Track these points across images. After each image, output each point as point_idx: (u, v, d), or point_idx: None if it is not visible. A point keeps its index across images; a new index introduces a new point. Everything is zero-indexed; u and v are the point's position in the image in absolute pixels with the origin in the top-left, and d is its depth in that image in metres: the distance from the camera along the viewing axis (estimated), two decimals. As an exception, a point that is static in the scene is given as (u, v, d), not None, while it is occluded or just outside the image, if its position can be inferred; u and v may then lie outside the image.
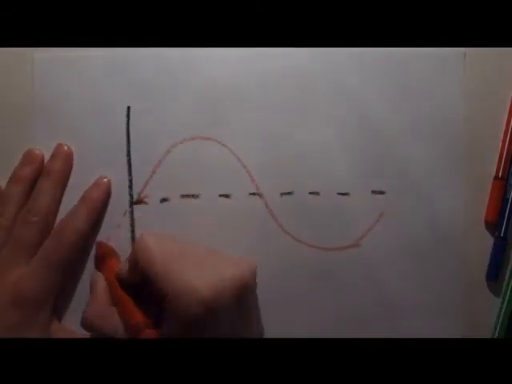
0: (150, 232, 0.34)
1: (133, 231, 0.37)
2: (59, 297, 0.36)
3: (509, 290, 0.37)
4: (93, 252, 0.37)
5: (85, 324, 0.33)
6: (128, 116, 0.37)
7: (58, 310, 0.37)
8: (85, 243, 0.36)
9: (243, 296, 0.32)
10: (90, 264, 0.37)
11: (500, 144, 0.37)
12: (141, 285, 0.33)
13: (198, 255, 0.33)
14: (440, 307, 0.37)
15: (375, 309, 0.37)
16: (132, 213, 0.37)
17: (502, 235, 0.37)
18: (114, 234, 0.37)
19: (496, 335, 0.37)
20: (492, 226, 0.37)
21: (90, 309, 0.34)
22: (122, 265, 0.35)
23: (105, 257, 0.36)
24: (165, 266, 0.31)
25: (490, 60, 0.37)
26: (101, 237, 0.37)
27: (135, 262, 0.33)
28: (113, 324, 0.33)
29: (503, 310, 0.37)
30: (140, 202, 0.37)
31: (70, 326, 0.36)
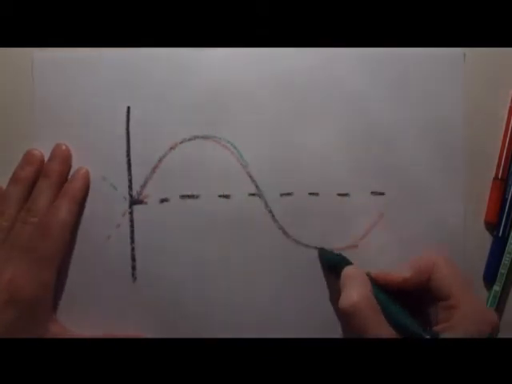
0: None
1: (132, 231, 0.37)
2: (57, 297, 0.36)
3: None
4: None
5: (353, 309, 0.32)
6: (128, 116, 0.37)
7: (56, 309, 0.37)
8: (70, 235, 0.36)
9: None
10: (78, 257, 0.37)
11: (500, 144, 0.37)
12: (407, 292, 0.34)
13: None
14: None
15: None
16: (131, 213, 0.37)
17: (500, 235, 0.37)
18: (113, 234, 0.37)
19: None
20: (492, 226, 0.37)
21: (358, 294, 0.32)
22: (393, 273, 0.35)
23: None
24: (455, 277, 0.33)
25: (489, 60, 0.37)
26: (101, 236, 0.37)
27: (427, 268, 0.34)
28: (381, 323, 0.32)
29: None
30: (140, 202, 0.37)
31: (70, 326, 0.37)
